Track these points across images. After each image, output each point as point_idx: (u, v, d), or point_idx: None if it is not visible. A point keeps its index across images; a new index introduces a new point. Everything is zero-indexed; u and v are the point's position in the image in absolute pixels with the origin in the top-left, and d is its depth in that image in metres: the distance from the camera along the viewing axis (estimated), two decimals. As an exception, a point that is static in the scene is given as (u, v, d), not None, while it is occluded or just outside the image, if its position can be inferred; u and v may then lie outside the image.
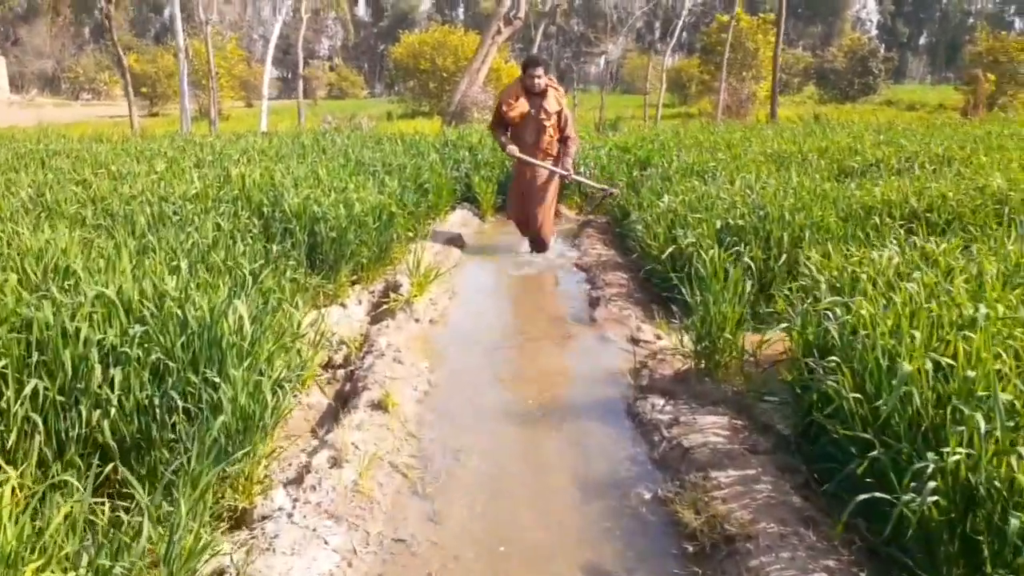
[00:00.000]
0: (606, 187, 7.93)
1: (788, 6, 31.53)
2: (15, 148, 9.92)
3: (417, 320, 5.19)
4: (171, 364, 3.01)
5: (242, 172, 7.03)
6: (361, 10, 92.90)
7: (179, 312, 3.25)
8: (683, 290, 4.89)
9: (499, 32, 21.24)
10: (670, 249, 5.37)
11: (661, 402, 3.71)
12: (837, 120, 19.93)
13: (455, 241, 7.93)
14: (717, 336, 3.80)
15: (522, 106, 6.80)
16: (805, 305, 3.53)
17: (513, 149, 6.91)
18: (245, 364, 3.16)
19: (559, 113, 6.87)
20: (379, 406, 3.55)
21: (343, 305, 5.82)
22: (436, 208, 8.85)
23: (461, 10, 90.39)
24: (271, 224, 5.91)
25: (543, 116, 6.81)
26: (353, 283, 6.29)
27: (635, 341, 4.82)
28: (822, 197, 5.90)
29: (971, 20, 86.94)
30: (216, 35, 31.70)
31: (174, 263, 4.22)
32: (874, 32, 77.58)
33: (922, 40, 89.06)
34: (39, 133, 14.51)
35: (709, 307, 3.84)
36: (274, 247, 5.19)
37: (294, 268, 5.25)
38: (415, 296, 5.43)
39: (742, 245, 5.14)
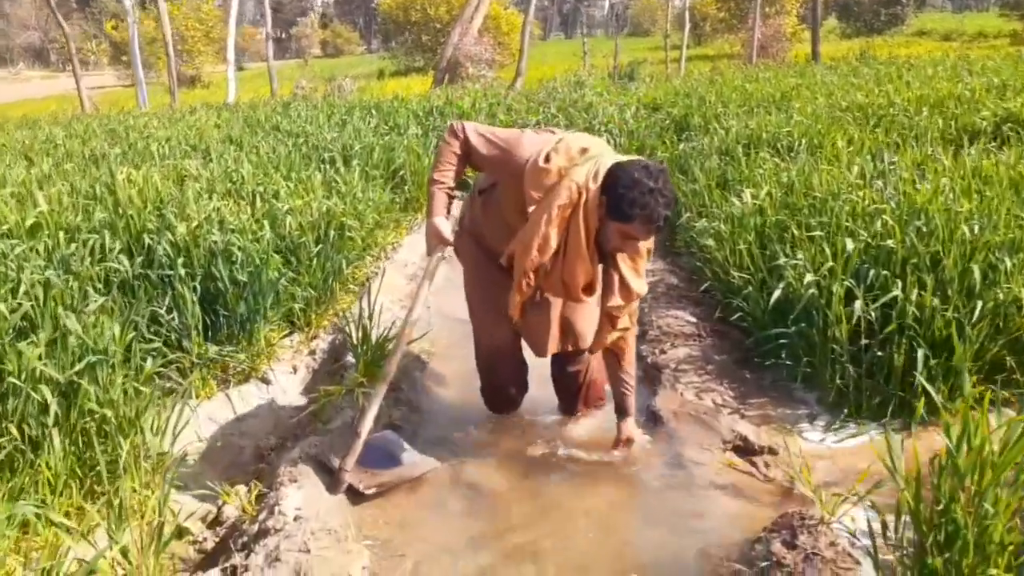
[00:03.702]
0: None
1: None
2: None
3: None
4: None
5: (131, 177, 4.94)
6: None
7: None
8: (807, 359, 2.87)
9: (495, -26, 18.74)
10: (776, 293, 3.27)
11: None
12: (885, 56, 17.52)
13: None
14: None
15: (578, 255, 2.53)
16: None
17: (440, 225, 2.71)
18: None
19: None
20: None
21: (264, 380, 3.81)
22: (417, 202, 6.76)
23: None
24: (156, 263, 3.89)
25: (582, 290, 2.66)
26: (289, 334, 4.28)
27: (732, 459, 2.78)
28: (993, 185, 3.77)
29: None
30: (189, -6, 29.27)
31: None
32: (892, -41, 73.13)
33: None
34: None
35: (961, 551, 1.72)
36: (134, 312, 3.14)
37: (161, 354, 3.23)
38: (361, 380, 3.36)
39: (899, 284, 3.05)
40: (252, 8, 68.39)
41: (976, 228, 3.23)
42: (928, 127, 5.83)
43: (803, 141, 5.70)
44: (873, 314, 3.03)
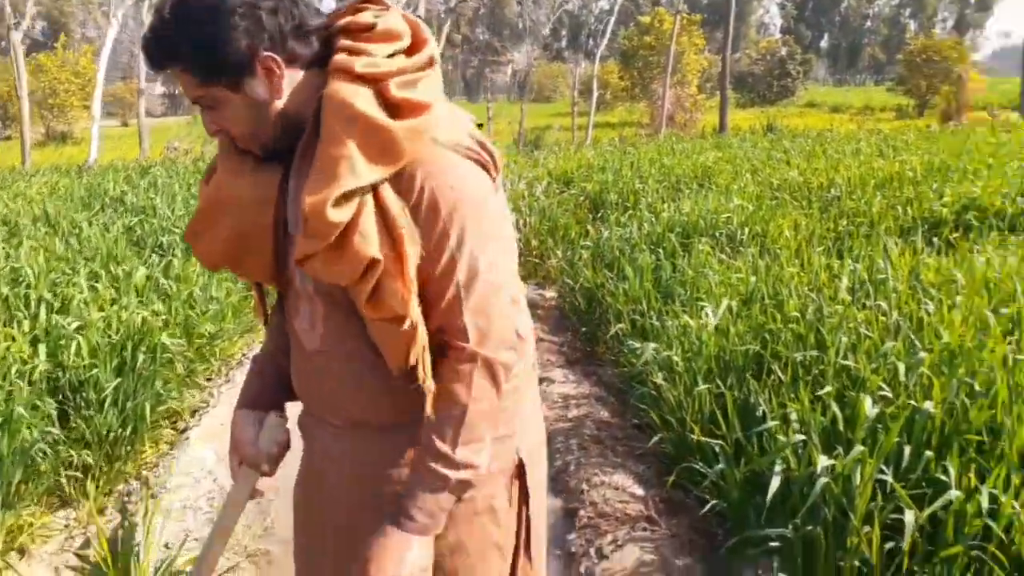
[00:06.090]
0: None
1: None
2: None
3: None
4: None
5: None
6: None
7: None
8: None
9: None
10: (774, 486, 2.20)
11: None
12: (788, 127, 17.51)
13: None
14: None
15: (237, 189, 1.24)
16: None
17: (240, 427, 1.37)
18: None
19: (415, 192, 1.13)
20: None
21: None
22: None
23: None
24: None
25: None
26: (62, 506, 2.96)
27: None
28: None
29: (868, 23, 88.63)
30: (62, 48, 27.31)
31: None
32: (778, 35, 77.37)
33: (823, 43, 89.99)
34: None
35: None
36: None
37: None
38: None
39: (946, 471, 2.05)
40: (141, 65, 65.86)
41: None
42: (883, 214, 5.05)
43: (746, 230, 4.81)
44: (920, 520, 2.01)
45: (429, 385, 1.15)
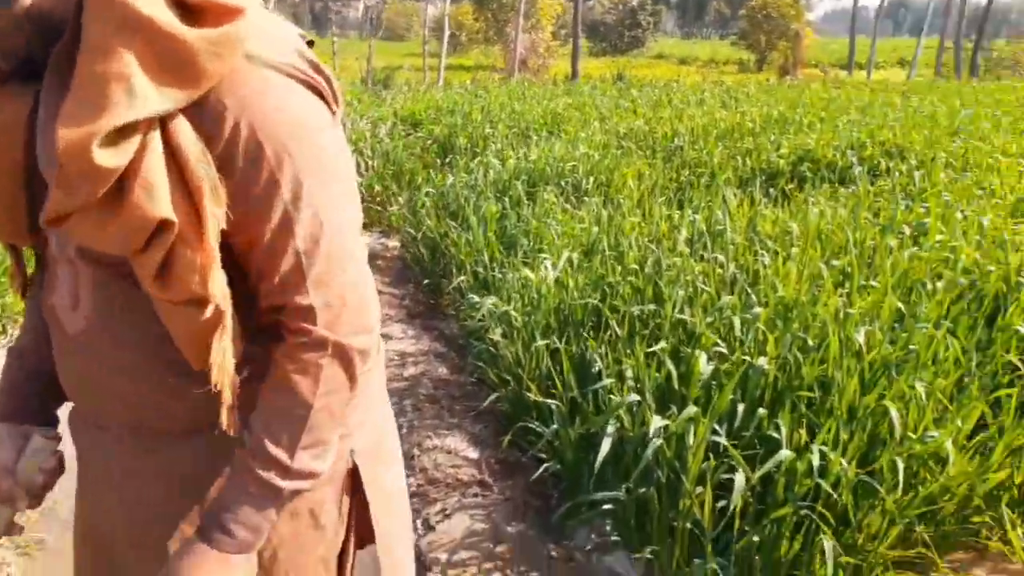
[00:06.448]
0: None
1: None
2: None
3: None
4: None
5: None
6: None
7: None
8: None
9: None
10: (604, 449, 2.09)
11: None
12: (637, 77, 17.79)
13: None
14: None
15: None
16: None
17: None
18: None
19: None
20: None
21: None
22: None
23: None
24: None
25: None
26: None
27: None
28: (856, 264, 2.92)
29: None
30: None
31: None
32: (631, -14, 78.55)
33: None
34: None
35: None
36: None
37: None
38: None
39: (777, 428, 2.02)
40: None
41: (861, 338, 2.29)
42: (723, 164, 5.10)
43: (591, 179, 4.72)
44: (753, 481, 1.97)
45: (227, 398, 0.87)
